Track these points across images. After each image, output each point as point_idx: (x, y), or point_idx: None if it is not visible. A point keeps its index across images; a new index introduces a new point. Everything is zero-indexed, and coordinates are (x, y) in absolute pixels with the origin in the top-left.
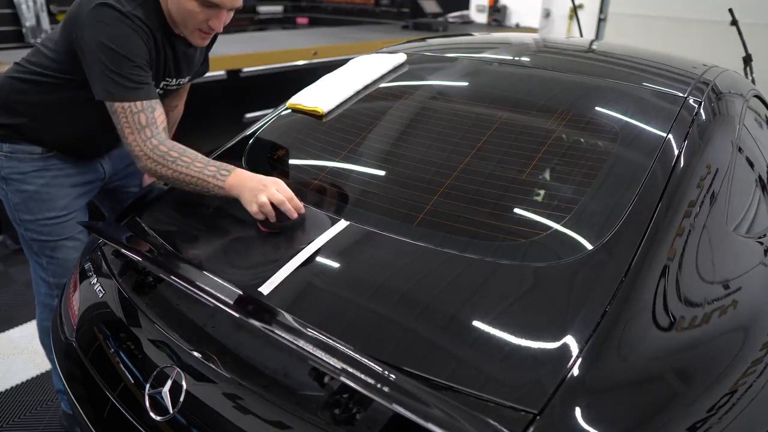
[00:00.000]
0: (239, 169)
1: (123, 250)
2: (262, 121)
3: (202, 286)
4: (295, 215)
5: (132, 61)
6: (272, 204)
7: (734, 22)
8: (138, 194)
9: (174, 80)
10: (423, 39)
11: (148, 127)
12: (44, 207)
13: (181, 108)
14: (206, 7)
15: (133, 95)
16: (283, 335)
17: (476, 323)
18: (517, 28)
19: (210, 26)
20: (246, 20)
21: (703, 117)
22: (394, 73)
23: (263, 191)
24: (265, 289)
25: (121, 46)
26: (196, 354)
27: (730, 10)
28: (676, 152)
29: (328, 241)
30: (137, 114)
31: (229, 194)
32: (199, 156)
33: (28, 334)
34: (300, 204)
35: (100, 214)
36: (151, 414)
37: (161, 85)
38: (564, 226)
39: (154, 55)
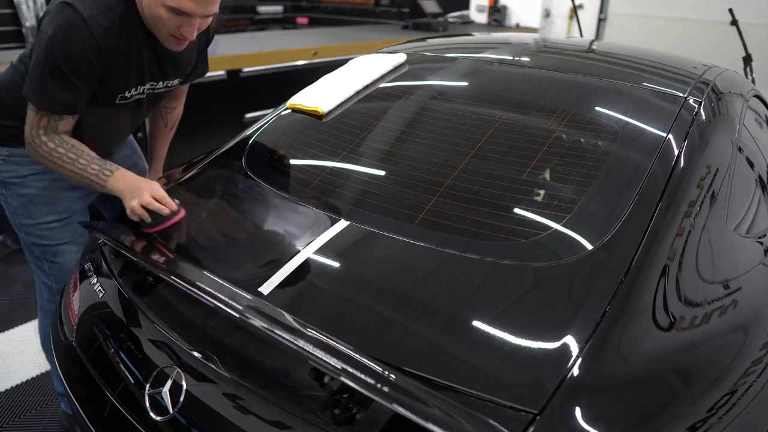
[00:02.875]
0: (122, 170)
1: (123, 250)
2: (262, 121)
3: (202, 286)
4: (165, 211)
5: (64, 74)
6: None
7: (734, 22)
8: None
9: (160, 83)
10: (423, 39)
11: (44, 128)
12: (44, 211)
13: (180, 110)
14: (176, 14)
15: (42, 104)
16: (283, 335)
17: (476, 323)
18: (517, 28)
19: (182, 33)
20: (246, 20)
21: (703, 117)
22: (394, 73)
23: (135, 196)
24: (265, 289)
25: (63, 55)
26: (196, 354)
27: (730, 10)
28: (676, 152)
29: (328, 241)
30: (40, 116)
31: (112, 193)
32: (85, 153)
33: (28, 334)
34: (172, 203)
35: (101, 217)
36: (151, 414)
37: (141, 90)
38: (564, 226)
39: (135, 56)
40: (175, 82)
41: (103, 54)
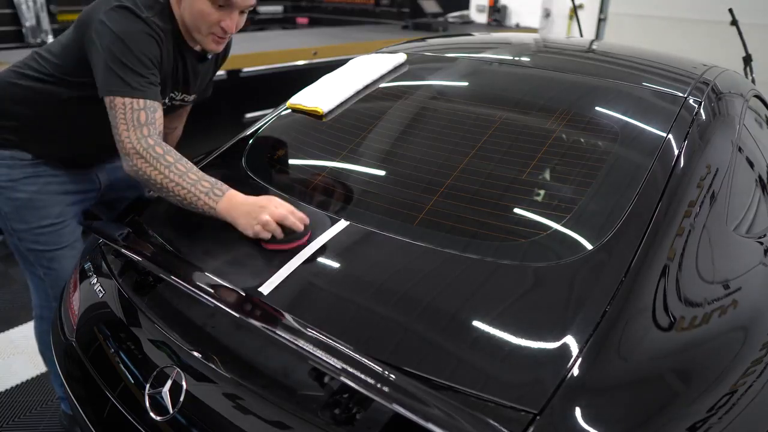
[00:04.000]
0: (232, 190)
1: (123, 250)
2: (262, 121)
3: (202, 286)
4: (300, 227)
5: (141, 61)
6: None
7: (734, 22)
8: (138, 195)
9: (180, 95)
10: (423, 39)
11: (147, 125)
12: (38, 215)
13: (180, 131)
14: (218, 7)
15: (137, 93)
16: (283, 335)
17: (476, 323)
18: (517, 28)
19: (223, 28)
20: (246, 20)
21: (703, 117)
22: (394, 73)
23: (262, 211)
24: (265, 289)
25: (134, 44)
26: (196, 354)
27: (730, 10)
28: (676, 152)
29: (328, 241)
30: (138, 111)
31: (219, 217)
32: (194, 168)
33: (28, 334)
34: (302, 215)
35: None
36: (151, 414)
37: (168, 97)
38: (564, 226)
39: (166, 63)
40: (190, 98)
41: (163, 45)
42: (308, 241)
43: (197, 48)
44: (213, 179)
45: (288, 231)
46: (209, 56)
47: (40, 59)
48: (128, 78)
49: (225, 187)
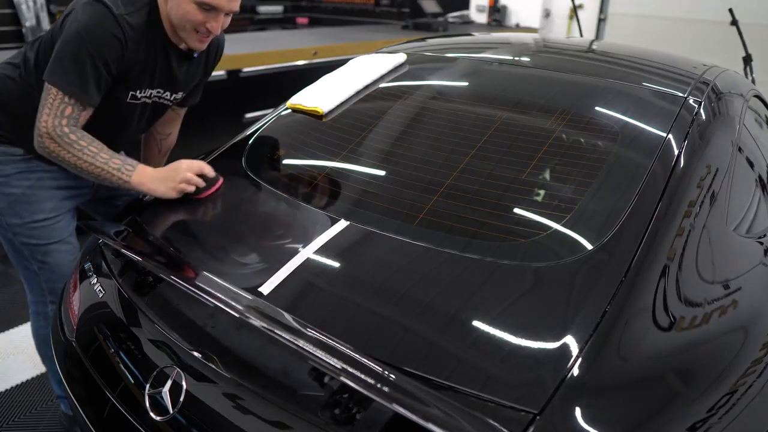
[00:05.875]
0: (142, 165)
1: (123, 250)
2: (262, 121)
3: (202, 286)
4: (213, 172)
5: (93, 62)
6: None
7: (734, 22)
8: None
9: (169, 94)
10: (423, 39)
11: (68, 117)
12: (32, 209)
13: (174, 137)
14: (204, 9)
15: (70, 91)
16: (283, 335)
17: (476, 323)
18: (517, 28)
19: (208, 29)
20: (246, 20)
21: (703, 117)
22: (394, 73)
23: (178, 172)
24: (265, 289)
25: (92, 44)
26: (196, 354)
27: (730, 10)
28: (676, 152)
29: (328, 241)
30: (65, 104)
31: (134, 189)
32: (105, 148)
33: (28, 334)
34: (211, 168)
35: (92, 220)
36: (151, 414)
37: (149, 93)
38: (564, 226)
39: (137, 59)
40: (179, 96)
41: (129, 49)
42: (221, 186)
43: (182, 46)
44: (123, 157)
45: (207, 178)
46: (195, 55)
47: (30, 54)
48: (71, 76)
49: (135, 162)
